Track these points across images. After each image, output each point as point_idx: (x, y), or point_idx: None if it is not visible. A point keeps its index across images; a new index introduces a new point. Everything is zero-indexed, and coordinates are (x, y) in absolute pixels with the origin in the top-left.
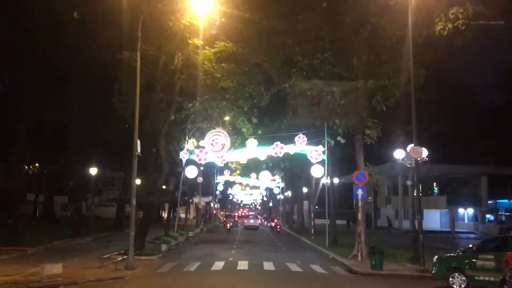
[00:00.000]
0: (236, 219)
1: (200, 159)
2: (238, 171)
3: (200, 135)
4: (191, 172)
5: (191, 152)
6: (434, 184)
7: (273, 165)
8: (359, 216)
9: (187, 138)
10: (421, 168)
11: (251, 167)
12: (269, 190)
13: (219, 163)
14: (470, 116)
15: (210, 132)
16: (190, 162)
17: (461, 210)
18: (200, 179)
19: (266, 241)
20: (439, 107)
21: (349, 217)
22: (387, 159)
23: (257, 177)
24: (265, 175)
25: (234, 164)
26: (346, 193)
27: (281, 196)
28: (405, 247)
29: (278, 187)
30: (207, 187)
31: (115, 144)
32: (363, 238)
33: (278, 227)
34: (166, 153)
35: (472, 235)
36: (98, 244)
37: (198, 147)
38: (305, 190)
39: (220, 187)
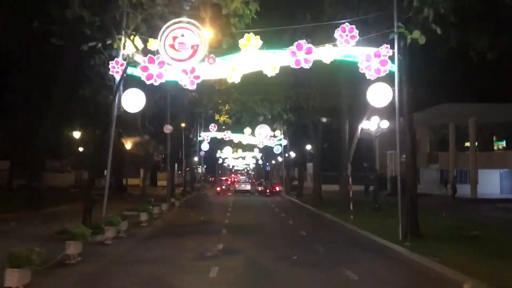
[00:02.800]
0: (228, 183)
1: (150, 76)
2: (228, 132)
3: (149, 30)
4: (132, 101)
5: (131, 63)
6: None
7: (273, 117)
8: None
9: (123, 34)
10: (479, 112)
11: (245, 121)
12: (266, 152)
13: (188, 83)
14: None
15: (170, 23)
16: (132, 83)
17: None
18: (169, 128)
19: (275, 225)
20: None
21: (368, 182)
22: (429, 102)
23: (252, 133)
24: (263, 130)
25: (223, 117)
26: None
27: (282, 158)
28: None
29: (280, 145)
30: (187, 146)
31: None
32: None
33: (268, 190)
34: None
35: None
36: None
37: (146, 53)
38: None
39: (205, 146)
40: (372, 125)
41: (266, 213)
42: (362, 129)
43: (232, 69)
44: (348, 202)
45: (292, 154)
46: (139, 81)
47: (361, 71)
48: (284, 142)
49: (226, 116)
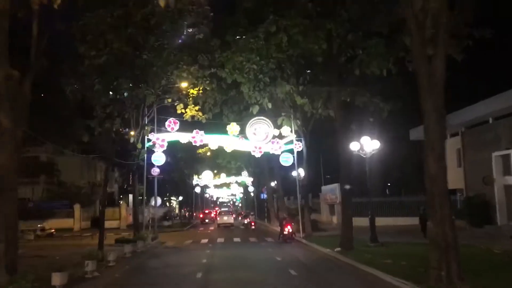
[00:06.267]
0: (212, 216)
1: None
2: (200, 132)
3: None
4: None
5: None
6: None
7: (276, 106)
8: None
9: None
10: None
11: (227, 121)
12: (258, 174)
13: None
14: None
15: None
16: None
17: None
18: None
19: None
20: None
21: (424, 212)
22: None
23: (242, 133)
24: (260, 127)
25: (190, 109)
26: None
27: (299, 173)
28: None
29: (291, 151)
30: (122, 153)
31: None
32: None
33: (253, 223)
34: None
35: None
36: None
37: None
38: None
39: (160, 158)
40: None
41: None
42: None
43: None
44: None
45: (301, 172)
46: None
47: None
48: (298, 146)
49: (197, 108)
